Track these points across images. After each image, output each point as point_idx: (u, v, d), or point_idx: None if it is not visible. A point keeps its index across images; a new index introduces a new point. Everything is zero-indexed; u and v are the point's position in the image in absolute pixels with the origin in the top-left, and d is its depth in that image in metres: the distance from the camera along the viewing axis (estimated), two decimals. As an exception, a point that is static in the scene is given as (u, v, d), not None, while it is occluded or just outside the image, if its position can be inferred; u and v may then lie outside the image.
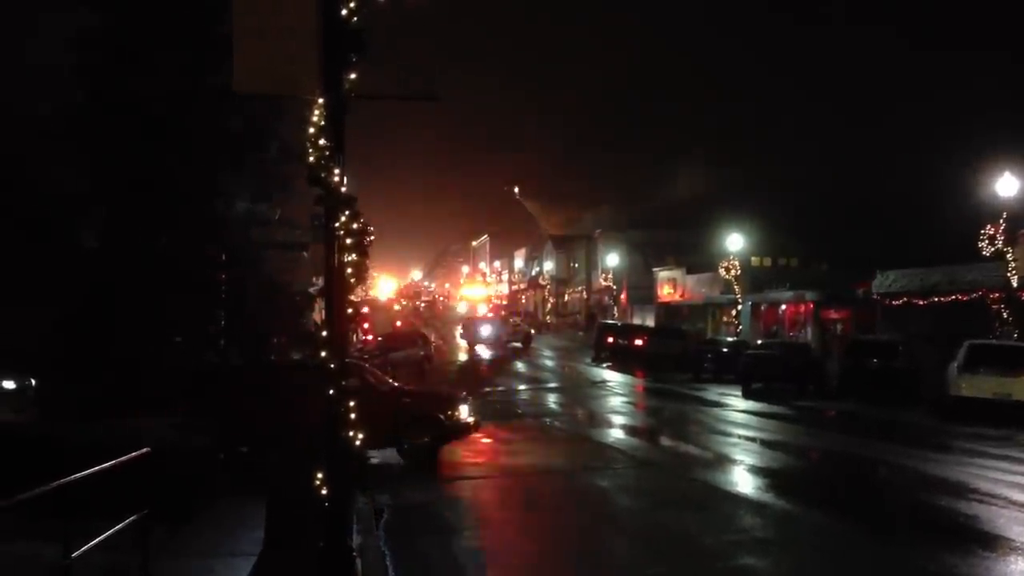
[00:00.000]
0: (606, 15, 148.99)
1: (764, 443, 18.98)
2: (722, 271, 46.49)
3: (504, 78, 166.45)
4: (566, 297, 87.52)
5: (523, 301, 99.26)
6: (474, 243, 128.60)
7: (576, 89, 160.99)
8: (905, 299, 32.81)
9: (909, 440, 19.56)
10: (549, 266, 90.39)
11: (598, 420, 23.48)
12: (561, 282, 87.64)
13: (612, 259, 67.99)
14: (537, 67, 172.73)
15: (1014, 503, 12.29)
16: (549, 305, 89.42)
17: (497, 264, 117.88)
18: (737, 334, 44.61)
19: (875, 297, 36.10)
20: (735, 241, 46.52)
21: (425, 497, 13.05)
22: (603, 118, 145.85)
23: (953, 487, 13.61)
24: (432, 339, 51.05)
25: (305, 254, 27.22)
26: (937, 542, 10.21)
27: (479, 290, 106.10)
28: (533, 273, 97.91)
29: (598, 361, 45.66)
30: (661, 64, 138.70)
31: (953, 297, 29.27)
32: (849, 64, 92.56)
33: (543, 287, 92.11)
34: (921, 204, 42.34)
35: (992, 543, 10.10)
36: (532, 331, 63.17)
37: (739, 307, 47.02)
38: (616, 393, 31.25)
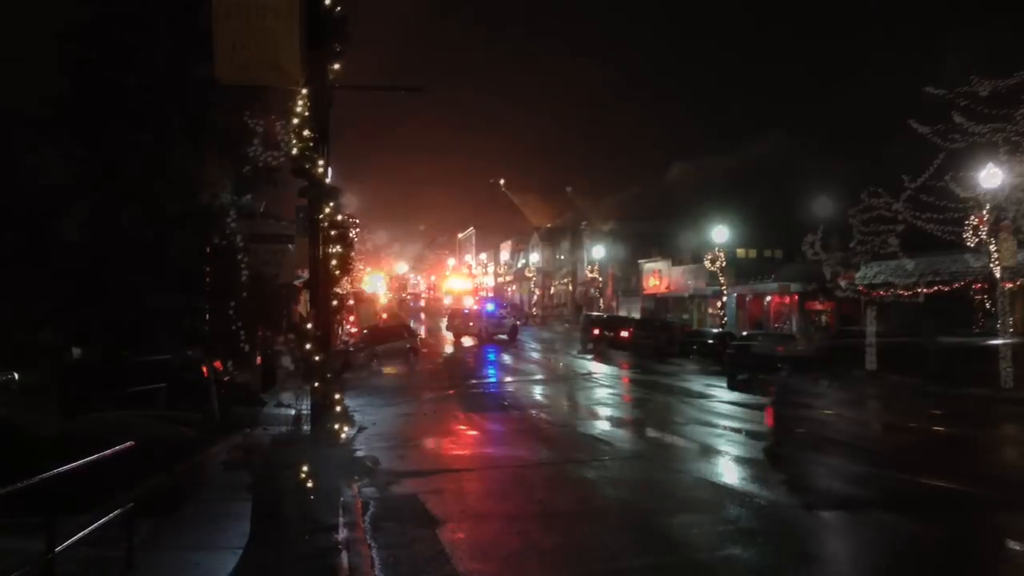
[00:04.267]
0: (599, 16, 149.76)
1: (748, 434, 19.06)
2: (707, 263, 46.63)
3: (491, 69, 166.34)
4: (552, 289, 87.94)
5: (508, 293, 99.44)
6: (460, 235, 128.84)
7: (564, 80, 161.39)
8: (889, 291, 32.94)
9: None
10: (535, 258, 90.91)
11: (584, 412, 23.51)
12: (547, 274, 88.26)
13: (598, 251, 68.47)
14: (525, 58, 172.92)
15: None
16: (535, 297, 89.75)
17: (483, 256, 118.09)
18: (722, 325, 44.78)
19: (860, 289, 36.23)
20: (720, 233, 46.70)
21: (411, 489, 13.04)
22: (590, 110, 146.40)
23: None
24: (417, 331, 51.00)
25: (291, 247, 27.20)
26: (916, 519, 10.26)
27: (464, 282, 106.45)
28: (519, 265, 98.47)
29: (585, 353, 45.49)
30: (652, 59, 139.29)
31: (936, 288, 29.40)
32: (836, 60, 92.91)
33: (529, 279, 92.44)
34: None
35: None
36: (518, 323, 63.07)
37: (724, 298, 47.17)
38: (602, 384, 31.27)
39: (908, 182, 24.69)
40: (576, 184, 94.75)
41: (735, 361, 30.81)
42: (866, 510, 10.61)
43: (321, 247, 7.51)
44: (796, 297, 42.46)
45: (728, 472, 14.57)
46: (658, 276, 61.55)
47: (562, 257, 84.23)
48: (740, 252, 56.88)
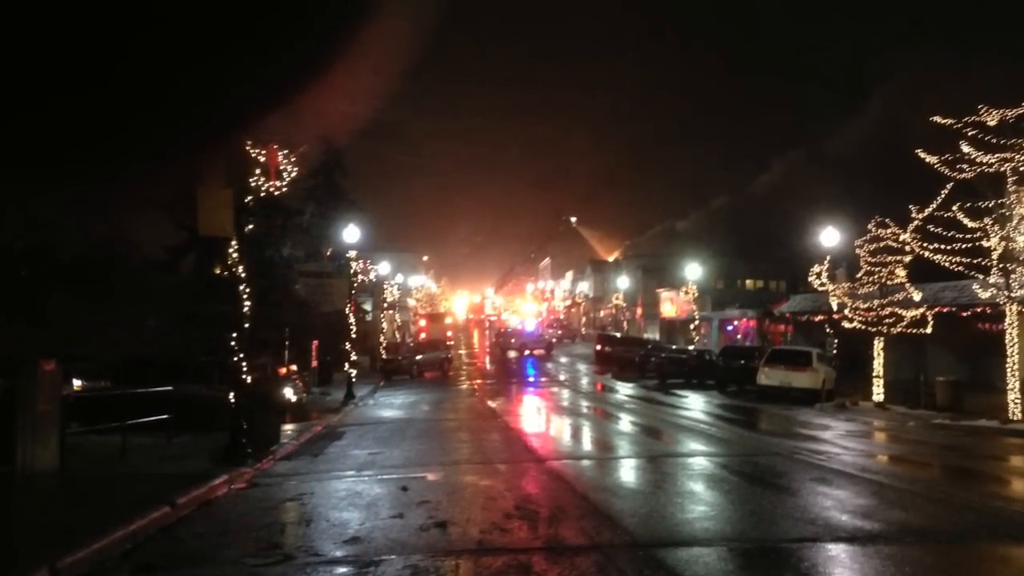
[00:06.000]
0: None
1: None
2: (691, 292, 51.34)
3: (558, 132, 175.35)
4: (602, 312, 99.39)
5: (563, 316, 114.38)
6: (540, 265, 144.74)
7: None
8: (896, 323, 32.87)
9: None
10: (585, 286, 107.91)
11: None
12: (597, 300, 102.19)
13: (623, 282, 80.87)
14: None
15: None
16: (584, 319, 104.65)
17: (551, 283, 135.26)
18: (694, 345, 49.14)
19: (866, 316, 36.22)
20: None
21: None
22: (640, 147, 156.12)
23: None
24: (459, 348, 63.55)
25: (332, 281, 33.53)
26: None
27: (530, 305, 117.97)
28: (577, 292, 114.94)
29: (592, 363, 52.13)
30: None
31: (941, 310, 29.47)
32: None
33: (579, 304, 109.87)
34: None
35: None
36: (554, 340, 73.05)
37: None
38: (579, 388, 36.83)
39: (916, 212, 24.62)
40: (637, 221, 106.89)
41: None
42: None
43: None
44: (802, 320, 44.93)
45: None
46: (673, 302, 68.40)
47: (607, 286, 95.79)
48: (749, 283, 68.27)
